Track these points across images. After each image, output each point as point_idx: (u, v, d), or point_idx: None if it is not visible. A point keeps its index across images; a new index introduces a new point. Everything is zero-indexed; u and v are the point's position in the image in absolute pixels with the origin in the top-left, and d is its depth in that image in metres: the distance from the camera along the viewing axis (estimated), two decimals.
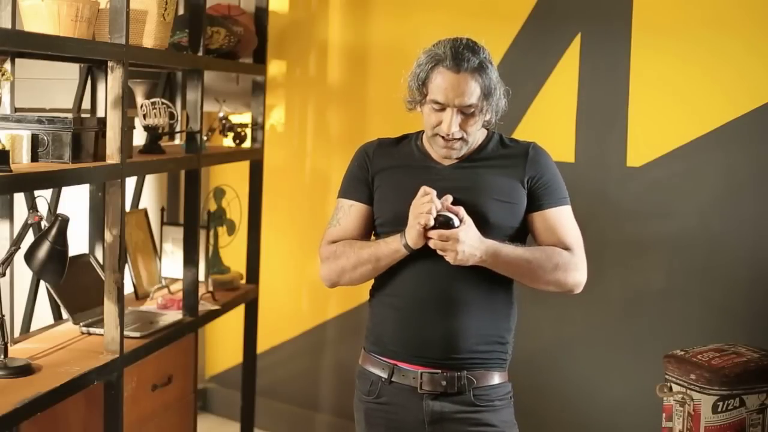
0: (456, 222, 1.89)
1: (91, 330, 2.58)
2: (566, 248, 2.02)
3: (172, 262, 3.24)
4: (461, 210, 1.92)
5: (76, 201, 2.86)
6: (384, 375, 2.04)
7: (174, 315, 2.85)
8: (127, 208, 2.86)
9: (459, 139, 1.97)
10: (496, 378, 2.04)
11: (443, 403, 2.00)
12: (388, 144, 2.12)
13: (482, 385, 2.01)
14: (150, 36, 2.55)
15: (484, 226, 1.96)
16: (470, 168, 2.03)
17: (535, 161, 2.04)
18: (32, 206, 2.21)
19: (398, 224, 1.99)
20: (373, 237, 2.10)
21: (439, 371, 1.99)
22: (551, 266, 1.98)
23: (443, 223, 1.88)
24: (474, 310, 2.00)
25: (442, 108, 1.95)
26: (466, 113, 1.95)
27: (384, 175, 2.07)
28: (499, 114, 2.02)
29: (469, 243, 1.89)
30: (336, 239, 2.09)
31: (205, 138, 3.11)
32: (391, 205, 2.05)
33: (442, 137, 1.97)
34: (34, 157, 2.25)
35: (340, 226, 2.10)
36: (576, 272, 2.02)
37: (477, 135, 2.03)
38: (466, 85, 1.93)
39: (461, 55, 1.93)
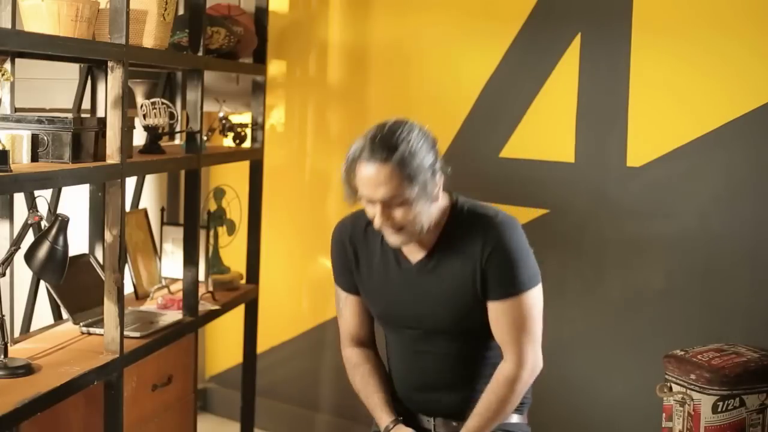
0: None
1: (91, 330, 2.58)
2: (504, 343, 2.04)
3: (172, 262, 3.24)
4: None
5: (76, 201, 2.86)
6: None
7: (174, 315, 2.85)
8: (127, 208, 2.86)
9: (400, 229, 1.96)
10: (514, 418, 2.14)
11: None
12: (360, 228, 2.10)
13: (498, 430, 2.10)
14: (150, 36, 2.54)
15: (450, 330, 2.06)
16: (432, 270, 2.05)
17: (490, 245, 2.00)
18: (32, 206, 2.21)
19: (387, 322, 2.14)
20: None
21: (454, 423, 2.11)
22: (509, 409, 2.05)
23: None
24: (472, 381, 2.10)
25: (371, 201, 1.95)
26: (394, 205, 1.93)
27: (362, 271, 2.14)
28: (434, 193, 1.96)
29: None
30: (348, 336, 2.23)
31: (205, 138, 3.11)
32: (374, 307, 2.16)
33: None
34: (34, 157, 2.25)
35: (344, 319, 2.22)
36: (523, 388, 2.06)
37: (432, 214, 1.99)
38: (384, 177, 1.90)
39: (376, 145, 1.90)
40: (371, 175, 1.90)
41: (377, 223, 1.94)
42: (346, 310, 2.21)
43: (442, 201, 2.03)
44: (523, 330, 2.02)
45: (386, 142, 1.90)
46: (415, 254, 2.07)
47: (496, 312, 2.02)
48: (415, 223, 1.95)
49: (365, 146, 1.91)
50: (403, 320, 2.12)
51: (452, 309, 2.04)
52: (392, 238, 1.99)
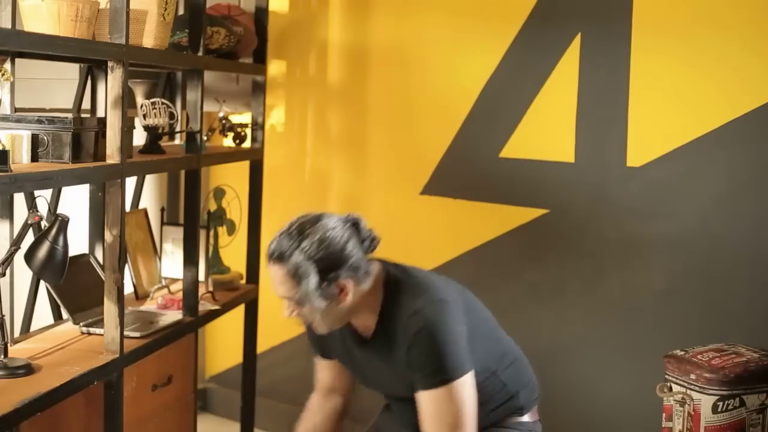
0: None
1: (91, 330, 2.58)
2: None
3: (172, 262, 3.24)
4: None
5: (76, 201, 2.86)
6: None
7: (174, 315, 2.85)
8: (127, 208, 2.86)
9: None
10: (525, 417, 2.16)
11: None
12: None
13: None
14: (150, 36, 2.55)
15: (402, 396, 2.06)
16: (378, 352, 2.04)
17: (407, 343, 1.96)
18: (32, 206, 2.21)
19: (364, 386, 2.19)
20: None
21: None
22: None
23: None
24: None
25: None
26: (292, 302, 1.95)
27: (330, 344, 2.16)
28: (335, 297, 1.93)
29: None
30: (318, 384, 2.27)
31: (205, 138, 3.11)
32: (351, 374, 2.22)
33: None
34: (34, 157, 2.25)
35: (317, 375, 2.28)
36: None
37: (342, 309, 1.97)
38: (279, 278, 1.93)
39: (277, 246, 1.93)
40: (271, 273, 1.95)
41: (285, 314, 1.98)
42: (320, 371, 2.27)
43: (369, 284, 1.98)
44: (452, 426, 1.92)
45: (286, 244, 1.92)
46: (365, 333, 2.06)
47: (421, 403, 1.95)
48: (319, 318, 1.97)
49: (271, 243, 1.95)
50: (373, 387, 2.18)
51: (408, 387, 2.00)
52: (313, 326, 2.04)
